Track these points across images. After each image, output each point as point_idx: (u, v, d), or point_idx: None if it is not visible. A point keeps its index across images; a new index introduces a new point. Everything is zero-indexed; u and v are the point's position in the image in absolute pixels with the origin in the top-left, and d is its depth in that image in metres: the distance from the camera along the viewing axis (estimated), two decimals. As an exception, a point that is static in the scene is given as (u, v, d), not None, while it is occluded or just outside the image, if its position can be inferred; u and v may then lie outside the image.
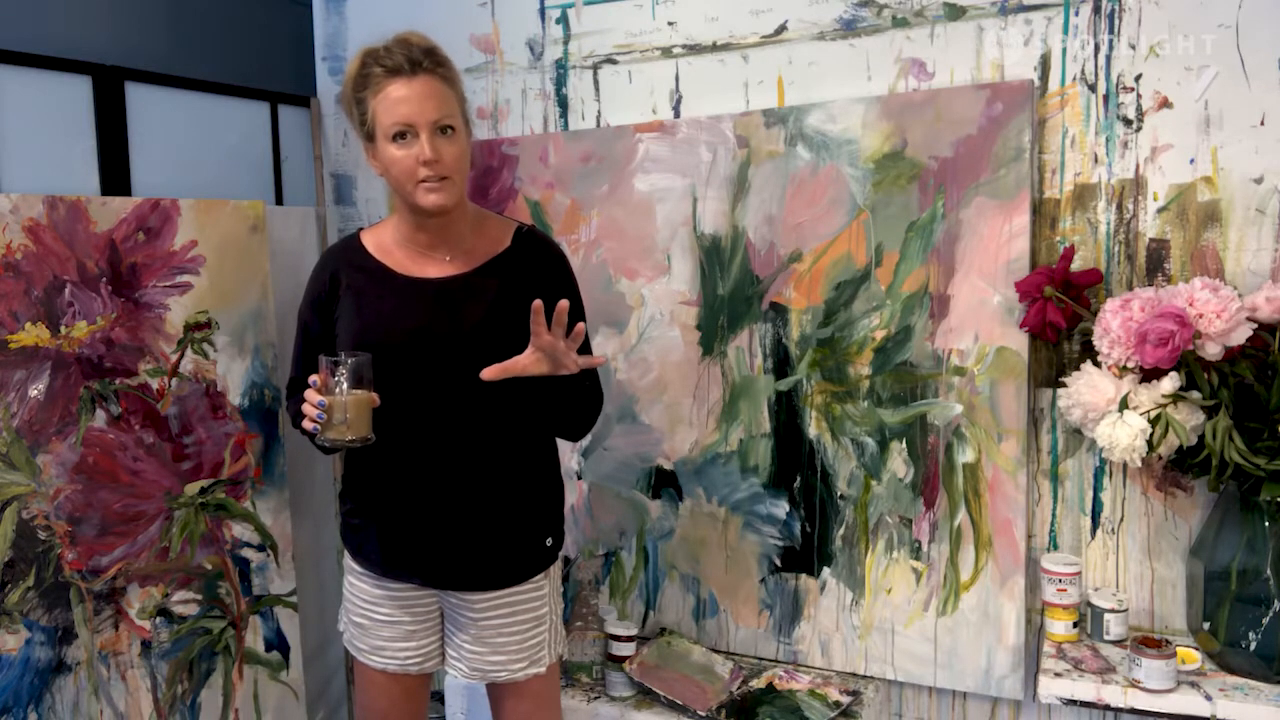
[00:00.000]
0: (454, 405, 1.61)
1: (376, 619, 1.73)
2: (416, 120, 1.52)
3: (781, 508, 2.08)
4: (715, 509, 2.15)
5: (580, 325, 1.52)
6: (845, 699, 1.95)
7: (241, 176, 2.35)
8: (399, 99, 1.52)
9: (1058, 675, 1.66)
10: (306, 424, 1.53)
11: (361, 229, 1.76)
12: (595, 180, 2.19)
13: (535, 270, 1.67)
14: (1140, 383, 1.64)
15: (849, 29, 1.96)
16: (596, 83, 2.22)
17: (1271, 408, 1.55)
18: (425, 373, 1.59)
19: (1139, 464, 1.62)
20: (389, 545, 1.68)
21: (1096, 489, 1.85)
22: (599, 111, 2.22)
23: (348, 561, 1.77)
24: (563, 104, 2.26)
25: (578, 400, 1.64)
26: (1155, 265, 1.77)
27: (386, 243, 1.68)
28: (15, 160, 1.87)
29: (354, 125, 1.62)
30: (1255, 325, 1.59)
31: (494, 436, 1.64)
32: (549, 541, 1.72)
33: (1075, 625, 1.78)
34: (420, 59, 1.53)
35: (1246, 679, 1.62)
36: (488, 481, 1.65)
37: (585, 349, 1.70)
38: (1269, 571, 1.58)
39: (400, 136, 1.53)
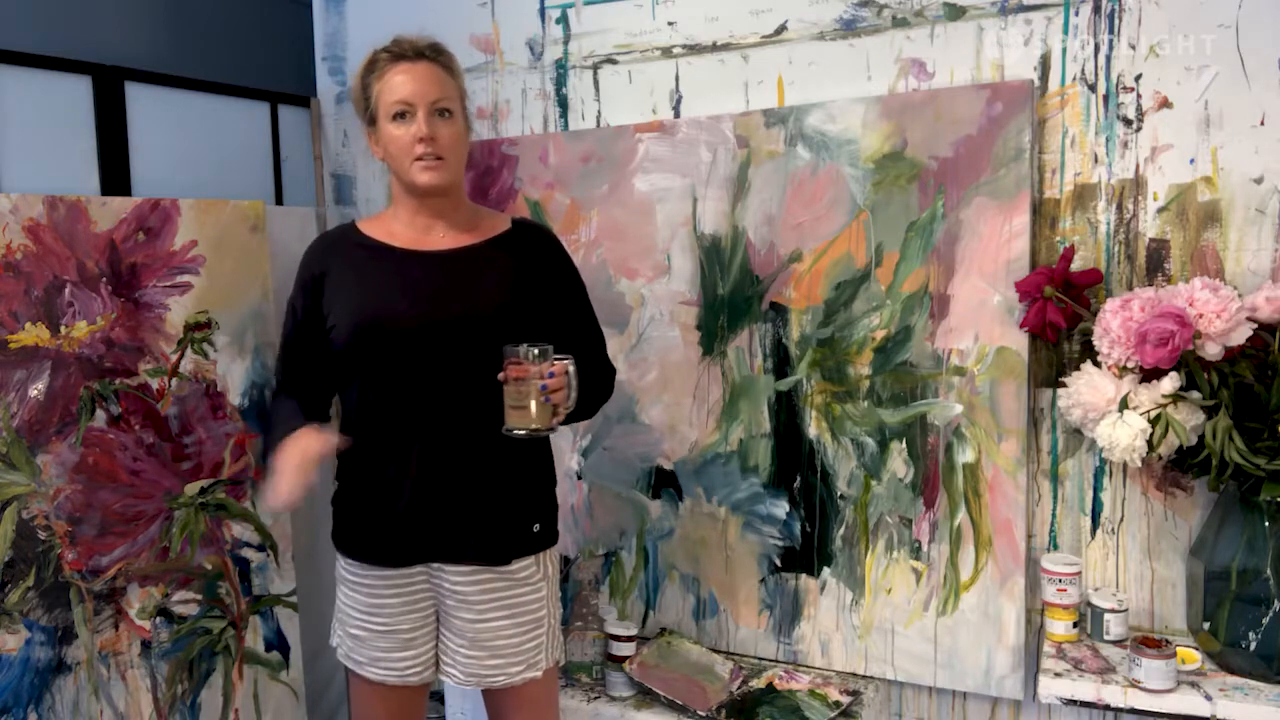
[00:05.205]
0: (461, 378, 1.62)
1: (373, 629, 1.71)
2: (415, 99, 1.60)
3: (781, 508, 2.08)
4: (715, 509, 2.15)
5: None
6: (845, 699, 1.95)
7: (241, 176, 2.35)
8: (400, 81, 1.61)
9: (1058, 675, 1.66)
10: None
11: (356, 220, 1.78)
12: (595, 180, 2.19)
13: (539, 252, 1.73)
14: (1140, 383, 1.64)
15: (849, 29, 1.96)
16: (596, 83, 2.22)
17: (1271, 408, 1.55)
18: (438, 345, 1.60)
19: (1139, 464, 1.63)
20: (389, 526, 1.66)
21: (1096, 489, 1.85)
22: (599, 111, 2.22)
23: (341, 572, 1.74)
24: (563, 104, 2.26)
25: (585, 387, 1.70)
26: (1155, 265, 1.77)
27: (385, 225, 1.72)
28: (15, 160, 1.87)
29: (360, 114, 1.70)
30: (1255, 325, 1.59)
31: (491, 412, 1.62)
32: (536, 527, 1.72)
33: (1075, 625, 1.78)
34: (424, 50, 1.64)
35: (1246, 679, 1.62)
36: (483, 452, 1.64)
37: (592, 335, 1.78)
38: (1269, 571, 1.58)
39: (400, 116, 1.61)
